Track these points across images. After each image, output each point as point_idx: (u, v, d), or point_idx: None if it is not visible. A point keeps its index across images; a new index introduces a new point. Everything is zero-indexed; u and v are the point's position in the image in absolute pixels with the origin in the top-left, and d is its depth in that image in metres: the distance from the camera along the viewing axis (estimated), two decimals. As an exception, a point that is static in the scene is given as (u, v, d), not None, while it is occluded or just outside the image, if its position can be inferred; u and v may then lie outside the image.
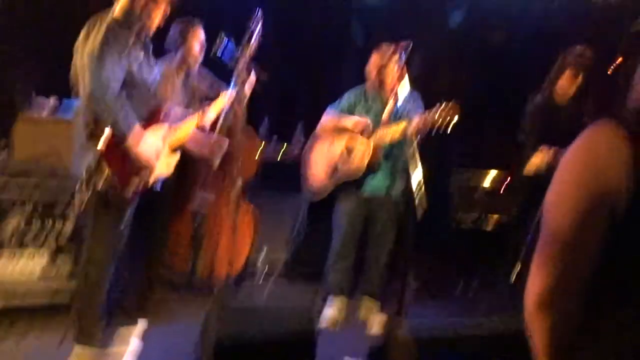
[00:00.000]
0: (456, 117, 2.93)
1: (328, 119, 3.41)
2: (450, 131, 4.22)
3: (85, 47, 2.45)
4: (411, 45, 3.01)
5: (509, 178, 4.24)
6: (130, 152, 2.49)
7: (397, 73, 3.12)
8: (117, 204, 2.52)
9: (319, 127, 3.45)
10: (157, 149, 2.62)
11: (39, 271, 3.12)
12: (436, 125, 2.95)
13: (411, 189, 2.86)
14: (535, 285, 0.89)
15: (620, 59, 4.06)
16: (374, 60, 3.27)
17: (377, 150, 3.18)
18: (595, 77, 3.22)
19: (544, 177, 3.10)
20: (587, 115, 3.23)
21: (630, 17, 3.92)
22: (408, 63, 3.06)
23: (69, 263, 3.18)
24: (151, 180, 2.62)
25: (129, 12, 2.58)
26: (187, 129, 2.92)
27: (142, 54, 2.62)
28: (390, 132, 3.12)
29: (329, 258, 3.37)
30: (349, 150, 3.26)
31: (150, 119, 2.67)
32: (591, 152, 0.86)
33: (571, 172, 0.88)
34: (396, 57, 3.11)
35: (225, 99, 3.07)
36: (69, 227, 3.21)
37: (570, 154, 0.90)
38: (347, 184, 3.29)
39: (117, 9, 2.58)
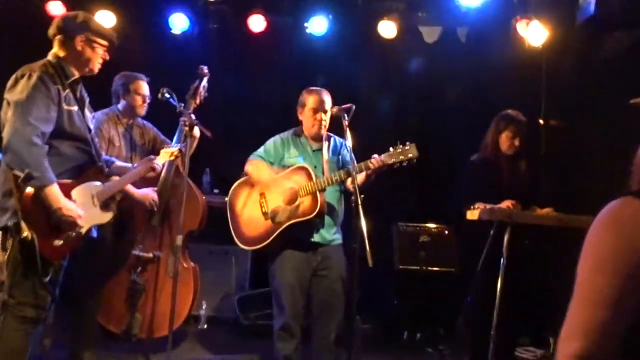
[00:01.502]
0: (415, 157, 2.79)
1: (260, 168, 3.06)
2: (392, 187, 4.38)
3: (13, 96, 2.33)
4: (354, 108, 2.90)
5: (446, 232, 4.37)
6: (49, 209, 2.31)
7: (327, 120, 3.02)
8: (38, 261, 2.32)
9: (254, 175, 3.07)
10: (81, 205, 2.44)
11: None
12: (395, 165, 2.81)
13: (361, 241, 2.64)
14: (572, 347, 0.92)
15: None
16: (310, 102, 3.04)
17: (321, 195, 2.92)
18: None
19: (480, 232, 3.22)
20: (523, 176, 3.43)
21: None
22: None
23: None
24: (83, 231, 2.46)
25: (62, 61, 2.48)
26: (123, 184, 2.79)
27: (75, 106, 2.48)
28: (335, 177, 2.90)
29: (275, 330, 2.98)
30: (294, 192, 2.94)
31: (83, 173, 2.53)
32: (623, 223, 0.95)
33: (606, 241, 0.96)
34: (330, 104, 3.02)
35: (168, 153, 2.99)
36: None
37: (600, 227, 0.98)
38: (293, 233, 2.94)
39: (51, 57, 2.48)
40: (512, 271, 3.12)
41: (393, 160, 2.80)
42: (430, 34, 4.88)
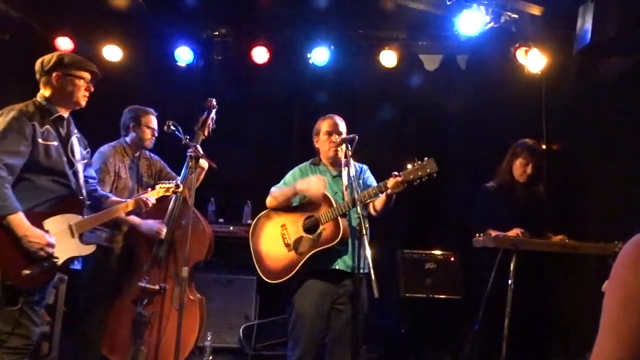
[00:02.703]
0: (435, 172, 2.70)
1: (280, 190, 3.07)
2: (397, 214, 4.38)
3: None
4: (357, 138, 2.87)
5: (452, 258, 4.36)
6: (16, 237, 2.32)
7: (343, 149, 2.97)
8: (13, 293, 2.32)
9: (272, 202, 3.08)
10: (56, 236, 2.45)
11: None
12: (414, 182, 2.74)
13: (367, 268, 2.59)
14: None
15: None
16: (324, 126, 3.09)
17: (343, 221, 2.87)
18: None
19: (487, 259, 3.22)
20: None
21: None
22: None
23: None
24: (59, 262, 2.45)
25: (48, 101, 2.55)
26: (107, 216, 2.78)
27: (55, 142, 2.52)
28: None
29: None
30: (315, 220, 2.91)
31: (58, 205, 2.53)
32: None
33: (633, 276, 0.93)
34: (344, 127, 3.07)
35: (163, 188, 3.02)
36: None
37: (628, 260, 0.95)
38: (316, 262, 2.90)
39: (38, 97, 2.57)
40: (519, 297, 3.10)
41: (412, 176, 2.72)
42: (430, 61, 4.97)
